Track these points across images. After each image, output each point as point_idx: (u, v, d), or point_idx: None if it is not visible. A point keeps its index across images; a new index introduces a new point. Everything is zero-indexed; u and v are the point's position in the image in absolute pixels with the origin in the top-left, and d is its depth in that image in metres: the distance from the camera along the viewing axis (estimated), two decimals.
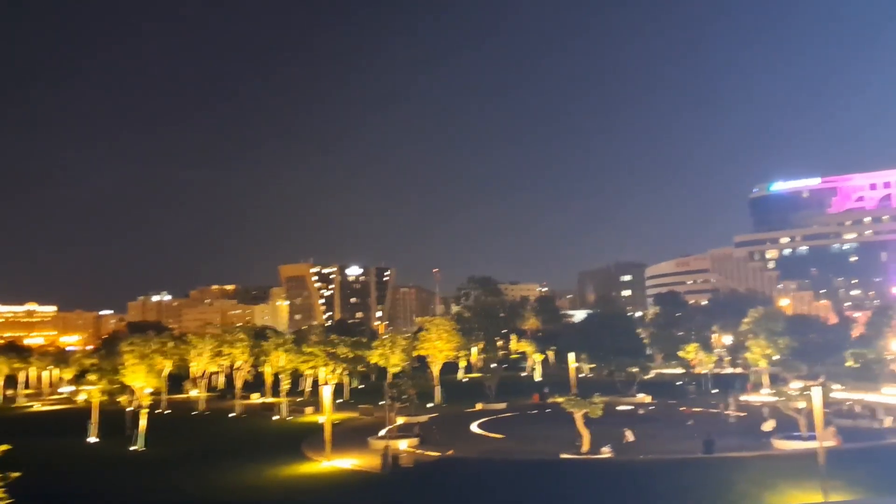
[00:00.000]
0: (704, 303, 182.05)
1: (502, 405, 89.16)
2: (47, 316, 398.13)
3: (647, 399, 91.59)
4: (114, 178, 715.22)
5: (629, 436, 59.25)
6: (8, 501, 23.09)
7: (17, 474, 23.77)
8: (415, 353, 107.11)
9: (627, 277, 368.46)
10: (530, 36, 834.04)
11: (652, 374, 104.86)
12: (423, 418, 79.34)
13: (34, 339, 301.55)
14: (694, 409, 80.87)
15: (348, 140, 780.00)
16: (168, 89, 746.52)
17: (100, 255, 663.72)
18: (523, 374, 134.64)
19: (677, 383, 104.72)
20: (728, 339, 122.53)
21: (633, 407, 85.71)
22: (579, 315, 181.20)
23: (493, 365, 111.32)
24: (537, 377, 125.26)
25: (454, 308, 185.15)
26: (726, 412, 74.26)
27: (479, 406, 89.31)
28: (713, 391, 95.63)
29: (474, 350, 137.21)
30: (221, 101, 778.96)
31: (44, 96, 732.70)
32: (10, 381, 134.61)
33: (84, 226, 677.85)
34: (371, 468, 53.00)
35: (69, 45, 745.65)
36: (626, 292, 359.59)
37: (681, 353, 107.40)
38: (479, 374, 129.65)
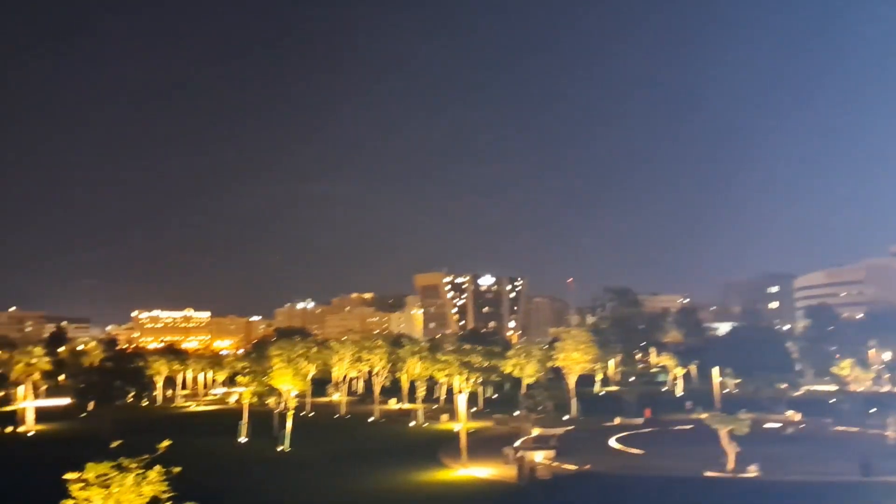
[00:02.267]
0: (859, 316, 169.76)
1: (641, 420, 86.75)
2: (202, 321, 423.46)
3: (797, 417, 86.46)
4: (263, 194, 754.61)
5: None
6: (170, 494, 24.50)
7: (178, 469, 25.14)
8: (550, 364, 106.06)
9: (774, 289, 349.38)
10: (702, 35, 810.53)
11: (801, 390, 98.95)
12: (559, 430, 78.40)
13: (190, 343, 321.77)
14: (849, 429, 75.55)
15: (482, 151, 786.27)
16: (310, 105, 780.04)
17: (250, 265, 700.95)
18: (664, 388, 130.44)
19: (830, 401, 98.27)
20: (888, 356, 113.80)
21: (781, 424, 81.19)
22: (723, 328, 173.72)
23: (632, 378, 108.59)
24: (678, 392, 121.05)
25: (590, 319, 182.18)
26: (886, 433, 68.98)
27: (617, 420, 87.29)
28: (871, 410, 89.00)
29: (611, 363, 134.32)
30: (359, 117, 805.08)
31: (214, 123, 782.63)
32: (169, 382, 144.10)
33: (236, 238, 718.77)
34: (507, 478, 52.87)
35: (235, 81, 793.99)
36: (773, 304, 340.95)
37: (834, 370, 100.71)
38: (616, 388, 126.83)
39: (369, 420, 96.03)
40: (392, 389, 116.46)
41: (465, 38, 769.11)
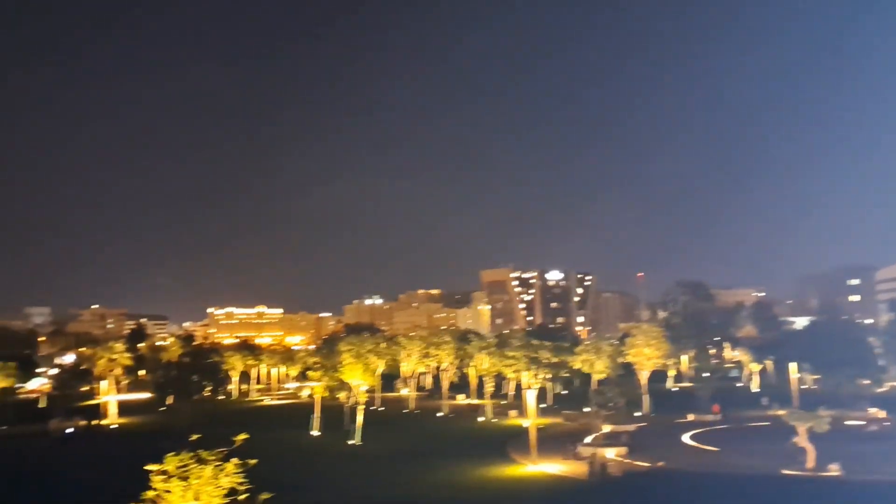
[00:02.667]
0: None
1: (715, 416, 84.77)
2: (275, 318, 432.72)
3: (881, 414, 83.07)
4: (331, 193, 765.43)
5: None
6: (246, 487, 25.04)
7: (253, 462, 25.71)
8: (620, 360, 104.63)
9: (855, 281, 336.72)
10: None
11: (885, 387, 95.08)
12: (631, 427, 77.23)
13: (263, 339, 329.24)
14: None
15: (551, 146, 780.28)
16: (378, 103, 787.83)
17: (320, 263, 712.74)
18: (738, 384, 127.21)
19: None
20: None
21: (864, 422, 78.13)
22: (801, 322, 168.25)
23: (706, 374, 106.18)
24: (754, 388, 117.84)
25: (661, 314, 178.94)
26: None
27: (690, 417, 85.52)
28: None
29: (684, 358, 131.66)
30: (426, 112, 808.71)
31: (295, 124, 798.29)
32: (244, 376, 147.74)
33: (306, 237, 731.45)
34: (577, 475, 52.39)
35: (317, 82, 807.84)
36: (854, 298, 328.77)
37: None
38: (689, 384, 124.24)
39: (438, 415, 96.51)
40: (460, 385, 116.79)
41: (521, 26, 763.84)
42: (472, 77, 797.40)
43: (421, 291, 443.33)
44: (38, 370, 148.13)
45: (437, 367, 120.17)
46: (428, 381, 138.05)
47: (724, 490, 47.65)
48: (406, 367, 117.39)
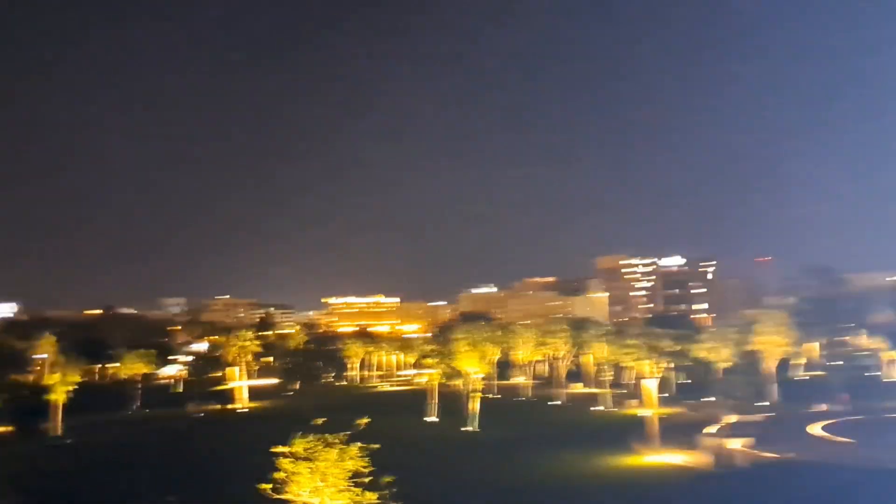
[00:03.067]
0: None
1: (847, 406, 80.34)
2: (391, 306, 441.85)
3: None
4: (444, 182, 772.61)
5: None
6: (369, 469, 25.86)
7: (376, 446, 26.53)
8: (745, 348, 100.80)
9: None
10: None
11: None
12: (757, 417, 74.35)
13: (380, 328, 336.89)
14: None
15: (667, 127, 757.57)
16: (491, 85, 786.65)
17: (434, 252, 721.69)
18: (874, 373, 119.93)
19: None
20: None
21: None
22: None
23: (837, 362, 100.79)
24: (894, 377, 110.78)
25: (788, 300, 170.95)
26: None
27: (822, 407, 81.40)
28: None
29: (813, 346, 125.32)
30: (546, 107, 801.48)
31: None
32: (363, 363, 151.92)
33: (420, 227, 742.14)
34: (701, 466, 50.94)
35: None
36: None
37: None
38: (820, 373, 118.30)
39: (554, 403, 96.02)
40: (576, 373, 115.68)
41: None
42: (588, 66, 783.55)
43: (535, 279, 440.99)
44: (174, 357, 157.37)
45: (553, 356, 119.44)
46: (544, 370, 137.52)
47: (858, 484, 45.09)
48: (521, 356, 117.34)
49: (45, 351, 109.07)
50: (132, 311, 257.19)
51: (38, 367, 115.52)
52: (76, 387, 79.72)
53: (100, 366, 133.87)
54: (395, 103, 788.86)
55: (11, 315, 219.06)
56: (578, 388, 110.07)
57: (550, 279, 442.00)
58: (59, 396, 77.47)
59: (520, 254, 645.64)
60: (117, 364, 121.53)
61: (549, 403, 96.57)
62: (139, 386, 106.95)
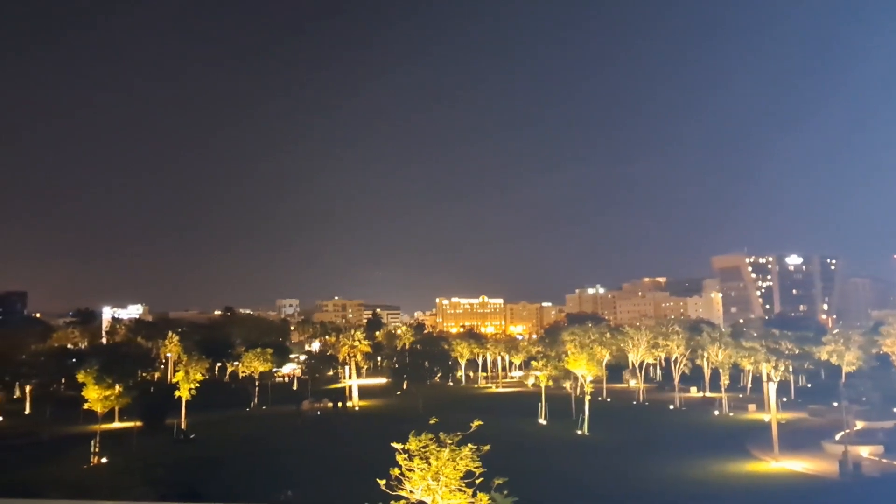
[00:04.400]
0: None
1: None
2: (496, 307, 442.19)
3: None
4: (550, 182, 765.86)
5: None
6: (481, 471, 25.82)
7: (486, 448, 26.45)
8: (874, 351, 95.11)
9: None
10: None
11: None
12: (888, 424, 69.90)
13: (486, 328, 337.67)
14: None
15: (784, 122, 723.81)
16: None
17: (540, 253, 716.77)
18: None
19: None
20: None
21: None
22: None
23: None
24: None
25: None
26: None
27: None
28: None
29: None
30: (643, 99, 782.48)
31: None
32: (471, 364, 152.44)
33: (525, 226, 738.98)
34: (826, 474, 48.44)
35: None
36: None
37: None
38: None
39: (669, 408, 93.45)
40: (692, 377, 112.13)
41: None
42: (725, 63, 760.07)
43: (646, 279, 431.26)
44: (290, 356, 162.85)
45: (667, 358, 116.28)
46: (657, 373, 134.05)
47: None
48: (633, 358, 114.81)
49: (170, 350, 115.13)
50: (249, 311, 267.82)
51: (164, 366, 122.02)
52: (199, 384, 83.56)
53: (220, 364, 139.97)
54: (508, 106, 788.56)
55: (138, 316, 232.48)
56: (695, 391, 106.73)
57: (661, 279, 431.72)
58: (184, 393, 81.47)
59: (630, 254, 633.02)
60: (237, 362, 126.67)
61: (663, 407, 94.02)
62: (257, 383, 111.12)
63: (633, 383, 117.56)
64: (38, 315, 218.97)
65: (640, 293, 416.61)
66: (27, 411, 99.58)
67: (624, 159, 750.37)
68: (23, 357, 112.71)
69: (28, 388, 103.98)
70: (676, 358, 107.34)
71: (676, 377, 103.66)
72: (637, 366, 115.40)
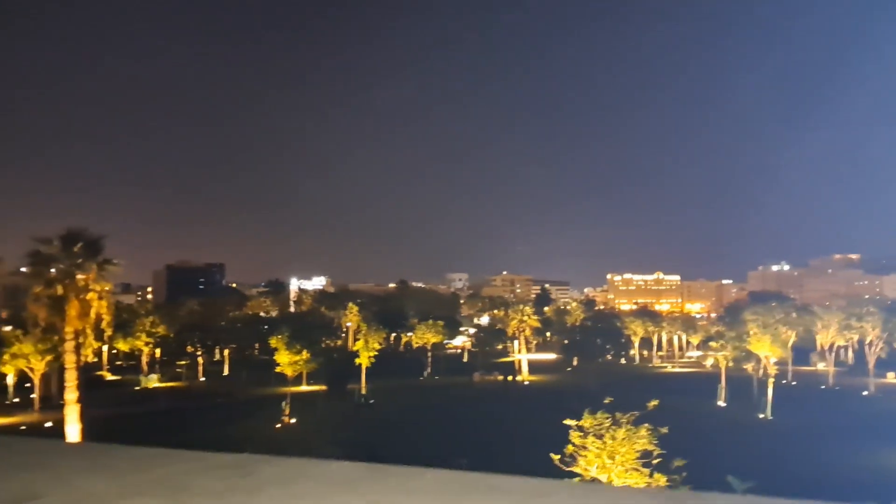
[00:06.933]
0: None
1: None
2: (672, 284, 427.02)
3: None
4: (732, 150, 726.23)
5: None
6: (658, 452, 25.37)
7: (664, 430, 25.88)
8: None
9: None
10: None
11: None
12: None
13: (661, 306, 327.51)
14: None
15: None
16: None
17: (721, 228, 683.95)
18: None
19: None
20: None
21: None
22: None
23: None
24: None
25: None
26: None
27: None
28: None
29: None
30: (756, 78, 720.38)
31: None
32: (644, 342, 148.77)
33: (703, 200, 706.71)
34: None
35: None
36: None
37: None
38: None
39: (863, 393, 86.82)
40: (888, 361, 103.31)
41: None
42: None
43: (837, 256, 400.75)
44: (460, 329, 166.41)
45: (860, 341, 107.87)
46: (849, 356, 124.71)
47: None
48: (822, 340, 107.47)
49: (350, 320, 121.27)
50: (421, 285, 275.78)
51: (345, 334, 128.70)
52: (377, 353, 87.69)
53: (395, 334, 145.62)
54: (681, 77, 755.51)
55: (322, 287, 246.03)
56: (890, 377, 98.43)
57: (854, 256, 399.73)
58: (364, 360, 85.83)
59: (818, 228, 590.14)
60: (411, 333, 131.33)
61: (855, 393, 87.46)
62: (430, 354, 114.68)
63: (821, 366, 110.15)
64: (234, 285, 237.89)
65: (829, 270, 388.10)
66: (225, 373, 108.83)
67: (822, 123, 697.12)
68: (222, 323, 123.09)
69: (226, 352, 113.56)
70: (871, 341, 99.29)
71: (871, 361, 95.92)
72: (826, 348, 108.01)
